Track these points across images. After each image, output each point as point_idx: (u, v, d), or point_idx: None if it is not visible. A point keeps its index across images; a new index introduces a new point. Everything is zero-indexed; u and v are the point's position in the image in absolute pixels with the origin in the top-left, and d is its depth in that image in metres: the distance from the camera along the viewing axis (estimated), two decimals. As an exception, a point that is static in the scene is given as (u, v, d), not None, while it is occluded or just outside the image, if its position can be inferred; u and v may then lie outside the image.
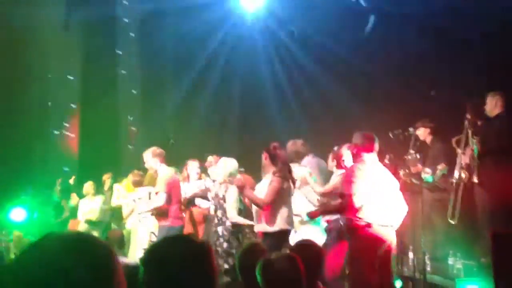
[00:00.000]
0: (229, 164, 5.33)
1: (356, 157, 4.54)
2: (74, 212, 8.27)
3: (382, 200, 4.35)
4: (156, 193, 5.78)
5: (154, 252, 1.59)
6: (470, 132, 5.37)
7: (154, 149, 5.92)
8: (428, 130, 6.33)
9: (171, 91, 10.98)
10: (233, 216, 5.21)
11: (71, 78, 10.54)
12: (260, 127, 9.00)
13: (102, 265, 1.00)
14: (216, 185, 5.44)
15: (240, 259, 3.36)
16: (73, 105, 10.54)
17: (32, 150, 9.66)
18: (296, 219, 5.47)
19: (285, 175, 4.98)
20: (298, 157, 5.68)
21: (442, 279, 5.40)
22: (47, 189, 8.82)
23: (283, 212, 4.90)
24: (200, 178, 6.41)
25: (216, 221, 5.28)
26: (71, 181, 8.83)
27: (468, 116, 5.41)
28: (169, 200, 5.67)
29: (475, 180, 5.23)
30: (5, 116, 9.00)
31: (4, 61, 8.89)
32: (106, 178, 8.59)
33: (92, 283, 0.97)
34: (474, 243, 5.57)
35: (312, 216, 4.85)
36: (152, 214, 5.98)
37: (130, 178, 6.96)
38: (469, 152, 5.39)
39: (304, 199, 5.46)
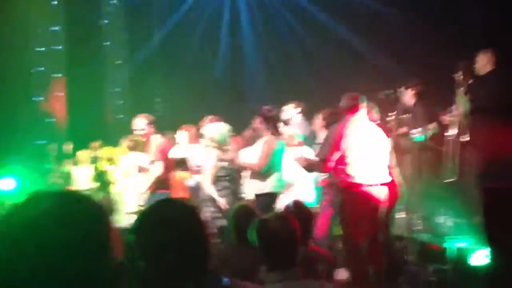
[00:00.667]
0: (217, 129, 5.29)
1: (343, 118, 4.54)
2: (66, 178, 8.24)
3: (369, 158, 4.36)
4: (152, 162, 5.71)
5: (145, 217, 1.55)
6: (461, 90, 5.35)
7: (147, 116, 5.83)
8: (412, 92, 6.30)
9: (157, 62, 10.85)
10: (207, 187, 5.16)
11: (58, 47, 10.35)
12: (248, 92, 8.97)
13: (94, 225, 0.95)
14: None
15: (233, 220, 3.38)
16: (57, 75, 10.36)
17: (17, 118, 9.53)
18: (288, 180, 5.54)
19: (279, 138, 5.08)
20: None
21: (432, 237, 5.48)
22: (36, 156, 8.75)
23: (274, 175, 4.98)
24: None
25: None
26: (69, 147, 8.74)
27: (460, 74, 5.37)
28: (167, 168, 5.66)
29: (466, 138, 5.23)
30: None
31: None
32: (96, 146, 8.52)
33: (84, 244, 0.92)
34: (464, 202, 5.62)
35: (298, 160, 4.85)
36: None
37: (122, 145, 6.81)
38: (459, 110, 5.38)
39: (292, 161, 5.46)
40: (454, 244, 5.13)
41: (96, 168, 7.95)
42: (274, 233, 2.42)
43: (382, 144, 4.52)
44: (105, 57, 10.81)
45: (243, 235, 3.18)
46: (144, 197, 5.70)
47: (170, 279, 1.43)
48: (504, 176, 4.66)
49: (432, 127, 5.89)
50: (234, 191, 5.25)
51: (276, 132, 5.17)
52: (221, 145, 5.15)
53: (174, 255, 1.43)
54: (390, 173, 4.50)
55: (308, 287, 2.37)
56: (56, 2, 10.32)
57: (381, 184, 4.37)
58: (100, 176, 7.76)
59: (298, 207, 3.39)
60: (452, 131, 5.45)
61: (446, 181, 5.53)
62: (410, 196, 5.47)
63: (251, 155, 5.15)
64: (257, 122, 5.19)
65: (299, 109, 5.80)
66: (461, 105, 5.38)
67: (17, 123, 9.52)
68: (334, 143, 4.33)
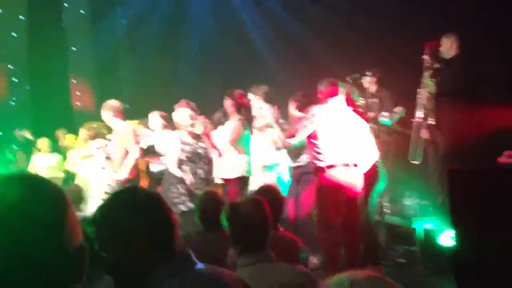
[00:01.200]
0: (180, 113, 5.33)
1: (320, 102, 4.61)
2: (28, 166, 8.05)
3: (344, 141, 4.40)
4: (126, 150, 5.57)
5: (108, 205, 1.50)
6: (427, 73, 5.41)
7: (112, 104, 5.66)
8: (374, 79, 6.37)
9: (124, 47, 10.66)
10: (171, 167, 5.24)
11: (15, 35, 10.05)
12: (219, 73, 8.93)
13: (52, 205, 0.92)
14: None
15: (200, 206, 3.35)
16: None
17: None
18: (256, 164, 5.54)
19: (249, 123, 5.10)
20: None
21: (400, 220, 5.57)
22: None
23: (243, 159, 4.98)
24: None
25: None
26: (28, 135, 8.50)
27: (426, 57, 5.43)
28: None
29: (431, 121, 5.31)
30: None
31: None
32: (60, 134, 8.33)
33: (40, 223, 0.88)
34: (430, 184, 5.73)
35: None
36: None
37: (84, 133, 6.59)
38: (425, 93, 5.44)
39: (265, 144, 5.46)
40: (422, 225, 5.24)
41: (60, 157, 7.80)
42: (246, 216, 2.41)
43: (359, 127, 4.56)
44: (68, 43, 10.55)
45: (210, 220, 3.17)
46: (112, 185, 5.58)
47: (137, 265, 1.39)
48: (468, 159, 4.76)
49: (399, 110, 5.96)
50: (204, 172, 5.24)
51: (247, 117, 5.18)
52: (186, 128, 5.24)
53: (140, 240, 1.39)
54: (370, 157, 4.55)
55: (280, 270, 2.36)
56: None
57: (355, 165, 4.40)
58: (62, 165, 7.61)
59: (268, 190, 3.37)
60: (419, 114, 5.52)
61: (412, 162, 5.60)
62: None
63: (220, 137, 5.14)
64: (228, 104, 5.18)
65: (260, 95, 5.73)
66: (427, 88, 5.45)
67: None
68: (310, 125, 4.40)
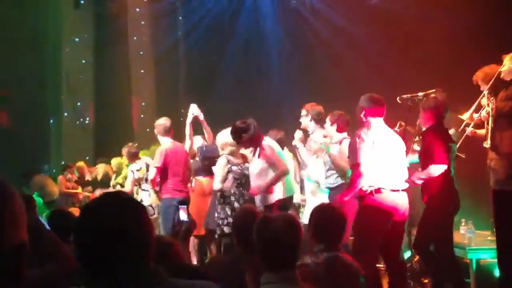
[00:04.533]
0: (221, 137, 5.33)
1: (362, 120, 4.33)
2: None
3: (391, 165, 4.20)
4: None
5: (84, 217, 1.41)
6: (487, 94, 5.07)
7: (158, 122, 5.81)
8: None
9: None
10: (215, 184, 5.23)
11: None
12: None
13: None
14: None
15: (234, 221, 3.29)
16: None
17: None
18: (309, 187, 5.51)
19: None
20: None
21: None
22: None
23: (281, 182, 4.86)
24: None
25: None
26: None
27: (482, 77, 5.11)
28: (164, 173, 5.56)
29: (487, 144, 4.97)
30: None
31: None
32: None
33: None
34: (488, 213, 5.35)
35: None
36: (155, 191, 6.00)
37: (125, 151, 6.78)
38: (485, 116, 5.11)
39: (320, 167, 5.35)
40: (477, 256, 4.91)
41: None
42: (274, 232, 2.31)
43: (401, 151, 4.35)
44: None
45: (243, 235, 3.07)
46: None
47: (118, 273, 1.32)
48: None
49: (452, 133, 5.65)
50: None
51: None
52: (232, 150, 5.22)
53: (122, 246, 1.32)
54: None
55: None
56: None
57: (402, 191, 4.20)
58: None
59: (331, 210, 3.20)
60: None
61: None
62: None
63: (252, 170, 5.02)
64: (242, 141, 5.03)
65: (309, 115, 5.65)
66: (484, 109, 5.13)
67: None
68: (360, 149, 4.13)
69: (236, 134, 4.89)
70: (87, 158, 9.54)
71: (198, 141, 6.25)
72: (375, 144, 4.18)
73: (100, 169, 8.23)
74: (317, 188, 5.51)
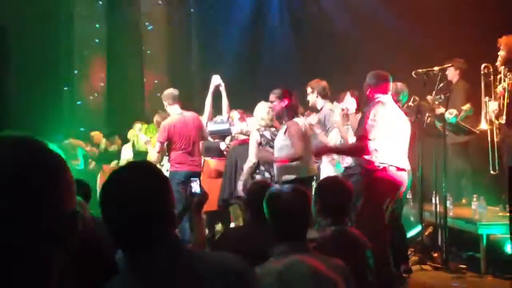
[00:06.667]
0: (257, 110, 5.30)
1: (370, 98, 4.27)
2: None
3: (399, 143, 4.18)
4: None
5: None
6: (503, 69, 5.00)
7: (166, 91, 5.76)
8: (458, 72, 6.03)
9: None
10: (251, 158, 5.17)
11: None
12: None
13: (49, 166, 0.91)
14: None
15: (247, 194, 3.33)
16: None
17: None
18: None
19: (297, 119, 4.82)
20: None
21: (464, 224, 5.26)
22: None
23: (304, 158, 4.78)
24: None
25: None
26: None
27: (503, 52, 5.01)
28: (169, 145, 5.56)
29: (503, 120, 4.92)
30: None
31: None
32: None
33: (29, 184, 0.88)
34: (501, 188, 5.34)
35: (319, 152, 4.61)
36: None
37: (155, 118, 6.78)
38: (501, 92, 5.04)
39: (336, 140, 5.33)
40: (488, 231, 4.93)
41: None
42: (285, 204, 2.36)
43: (407, 129, 4.32)
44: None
45: (255, 207, 3.11)
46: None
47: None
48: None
49: (467, 108, 5.61)
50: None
51: (294, 116, 4.84)
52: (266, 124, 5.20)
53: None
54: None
55: (316, 261, 2.29)
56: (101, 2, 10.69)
57: (405, 170, 4.19)
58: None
59: (335, 182, 3.20)
60: (483, 124, 5.18)
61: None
62: (442, 181, 5.26)
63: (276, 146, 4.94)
64: (277, 106, 4.90)
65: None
66: (501, 84, 5.06)
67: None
68: (377, 124, 4.07)
69: (272, 97, 4.86)
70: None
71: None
72: (388, 121, 4.15)
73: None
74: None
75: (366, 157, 4.13)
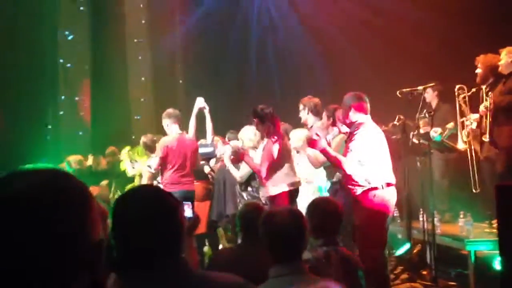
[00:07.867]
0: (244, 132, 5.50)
1: (351, 120, 4.22)
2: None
3: (385, 158, 4.18)
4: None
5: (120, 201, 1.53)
6: (483, 88, 5.14)
7: (168, 110, 5.81)
8: (435, 93, 6.19)
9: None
10: (237, 177, 5.44)
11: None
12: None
13: (75, 199, 0.92)
14: None
15: (239, 216, 3.33)
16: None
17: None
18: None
19: (277, 134, 4.87)
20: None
21: (452, 241, 5.31)
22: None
23: (282, 173, 4.82)
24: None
25: None
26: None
27: (480, 70, 5.17)
28: (163, 165, 5.57)
29: (486, 138, 5.03)
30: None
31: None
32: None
33: (58, 225, 0.88)
34: (485, 205, 5.43)
35: (311, 144, 4.41)
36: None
37: (142, 140, 6.75)
38: (484, 111, 5.16)
39: (305, 162, 5.37)
40: (476, 248, 4.97)
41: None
42: (280, 225, 2.37)
43: (385, 141, 4.27)
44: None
45: (249, 229, 3.12)
46: None
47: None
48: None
49: (451, 126, 5.72)
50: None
51: (273, 129, 4.88)
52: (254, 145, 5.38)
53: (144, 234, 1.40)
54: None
55: (312, 282, 2.29)
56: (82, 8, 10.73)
57: (393, 184, 4.20)
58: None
59: (327, 203, 3.24)
60: (460, 143, 5.33)
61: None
62: (429, 199, 5.32)
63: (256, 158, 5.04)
64: (254, 123, 5.04)
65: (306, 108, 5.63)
66: (483, 103, 5.19)
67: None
68: (362, 145, 4.07)
69: (253, 114, 4.97)
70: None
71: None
72: (375, 141, 4.17)
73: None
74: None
75: (360, 182, 4.07)
